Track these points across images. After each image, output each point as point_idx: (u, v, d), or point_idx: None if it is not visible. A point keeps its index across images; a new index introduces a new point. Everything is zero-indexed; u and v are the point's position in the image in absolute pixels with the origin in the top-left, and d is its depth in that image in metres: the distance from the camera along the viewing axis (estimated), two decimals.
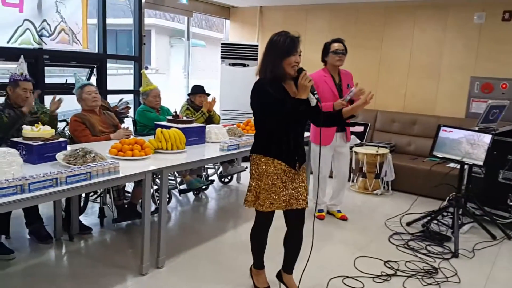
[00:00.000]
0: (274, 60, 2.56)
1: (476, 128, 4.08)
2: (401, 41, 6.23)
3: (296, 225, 2.81)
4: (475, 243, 3.96)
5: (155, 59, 16.37)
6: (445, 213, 4.31)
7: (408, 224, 4.37)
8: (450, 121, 5.31)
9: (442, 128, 4.12)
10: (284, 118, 2.55)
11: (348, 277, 3.21)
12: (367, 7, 6.42)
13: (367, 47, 6.40)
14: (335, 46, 4.09)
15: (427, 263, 3.52)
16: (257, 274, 2.96)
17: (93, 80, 5.34)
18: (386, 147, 5.71)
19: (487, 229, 4.12)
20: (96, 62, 5.40)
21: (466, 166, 4.16)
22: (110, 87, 5.61)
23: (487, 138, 3.80)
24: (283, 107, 2.52)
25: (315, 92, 2.61)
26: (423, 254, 3.70)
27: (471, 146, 3.87)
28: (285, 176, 2.65)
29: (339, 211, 4.48)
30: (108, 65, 5.63)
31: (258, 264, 2.95)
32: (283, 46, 2.54)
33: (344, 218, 4.45)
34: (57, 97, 3.64)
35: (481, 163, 3.79)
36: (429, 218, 4.27)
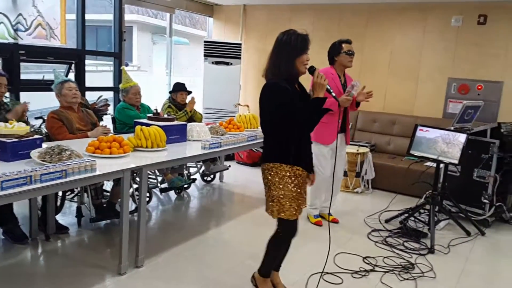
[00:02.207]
0: (287, 59, 2.50)
1: (452, 128, 4.15)
2: (382, 43, 6.31)
3: None
4: (451, 239, 4.05)
5: (137, 56, 16.21)
6: (422, 210, 4.40)
7: (387, 221, 4.44)
8: (428, 121, 5.41)
9: (419, 127, 4.19)
10: (305, 119, 2.49)
11: (328, 273, 3.24)
12: (350, 9, 6.48)
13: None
14: (348, 46, 4.06)
15: (404, 259, 3.58)
16: (264, 283, 2.84)
17: (71, 76, 5.26)
18: (366, 146, 5.79)
19: (462, 225, 4.22)
20: (74, 58, 5.32)
21: (442, 165, 4.24)
22: (89, 84, 5.54)
23: (462, 138, 3.88)
24: (306, 107, 2.48)
25: (331, 91, 2.59)
26: (400, 250, 3.77)
27: (446, 145, 3.95)
28: (302, 180, 2.63)
29: (330, 214, 4.43)
30: (88, 61, 5.56)
31: (268, 273, 2.83)
32: (295, 44, 2.49)
33: (335, 221, 4.37)
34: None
35: (456, 161, 3.87)
36: (406, 215, 4.34)
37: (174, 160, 3.48)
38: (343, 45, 4.06)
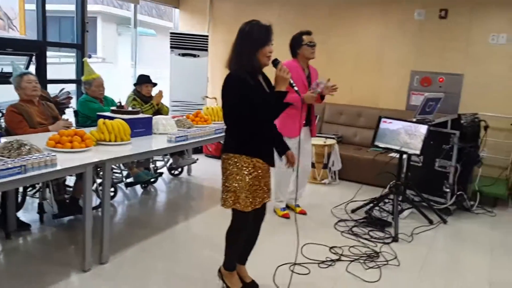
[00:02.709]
0: (249, 51, 2.44)
1: (414, 120, 4.25)
2: (347, 36, 6.38)
3: (259, 219, 2.82)
4: (414, 227, 4.16)
5: (102, 48, 15.83)
6: (386, 200, 4.49)
7: (353, 211, 4.52)
8: (392, 113, 5.49)
9: (382, 119, 4.27)
10: (266, 112, 2.46)
11: (295, 264, 3.27)
12: (316, 2, 6.52)
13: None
14: (308, 38, 4.01)
15: (369, 248, 3.66)
16: (231, 276, 2.82)
17: (32, 69, 5.09)
18: (333, 138, 5.86)
19: (424, 214, 4.34)
20: (35, 50, 5.14)
21: (404, 156, 4.34)
22: (51, 76, 5.37)
23: (423, 129, 3.98)
24: (267, 99, 2.44)
25: (294, 85, 2.55)
26: (366, 239, 3.85)
27: (409, 136, 4.04)
28: (261, 173, 2.60)
29: (297, 206, 4.42)
30: (51, 53, 5.37)
31: (232, 266, 2.81)
32: (258, 35, 2.44)
33: (303, 213, 4.40)
34: None
35: (418, 152, 3.97)
36: (371, 205, 4.43)
37: (139, 154, 3.42)
38: (304, 36, 4.01)
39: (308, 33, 4.05)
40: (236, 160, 2.54)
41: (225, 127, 2.65)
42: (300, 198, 4.44)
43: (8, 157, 2.50)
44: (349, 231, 4.01)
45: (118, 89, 4.93)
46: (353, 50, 6.38)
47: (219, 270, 2.88)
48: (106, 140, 3.35)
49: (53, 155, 2.58)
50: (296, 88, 2.57)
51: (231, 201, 2.58)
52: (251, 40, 2.45)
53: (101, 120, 3.39)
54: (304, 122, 4.09)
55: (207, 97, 6.80)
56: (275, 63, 2.51)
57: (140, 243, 3.53)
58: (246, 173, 2.54)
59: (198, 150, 6.70)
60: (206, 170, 5.96)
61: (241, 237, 2.73)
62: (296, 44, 4.05)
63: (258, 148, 2.56)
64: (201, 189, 5.32)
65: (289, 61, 4.02)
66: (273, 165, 2.69)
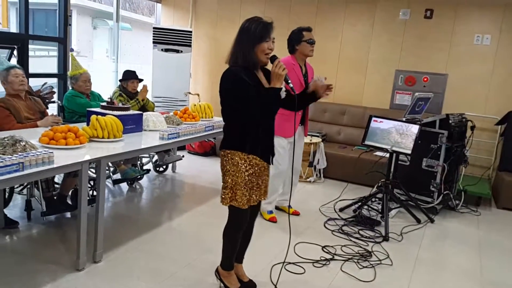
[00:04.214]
0: (246, 47, 2.44)
1: (404, 119, 4.31)
2: (331, 34, 6.41)
3: (253, 216, 2.81)
4: (402, 226, 4.22)
5: (76, 41, 15.43)
6: (372, 199, 4.54)
7: (341, 210, 4.55)
8: (376, 112, 5.59)
9: (373, 118, 4.31)
10: (260, 108, 2.44)
11: (289, 263, 3.28)
12: None
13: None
14: (309, 35, 3.89)
15: (361, 247, 3.69)
16: (228, 276, 2.80)
17: (13, 62, 4.91)
18: (318, 136, 5.89)
19: (412, 213, 4.41)
20: (16, 42, 4.96)
21: (394, 155, 4.40)
22: (33, 70, 5.20)
23: (415, 129, 4.04)
24: (261, 96, 2.42)
25: (289, 81, 2.52)
26: (357, 238, 3.88)
27: (400, 136, 4.09)
28: (258, 170, 2.59)
29: (289, 207, 4.38)
30: (35, 47, 5.20)
31: (229, 265, 2.79)
32: (255, 32, 2.43)
33: (296, 214, 4.33)
34: None
35: (409, 151, 4.02)
36: (359, 204, 4.47)
37: (134, 151, 3.35)
38: (304, 33, 3.89)
39: (309, 29, 3.94)
40: (232, 156, 2.54)
41: (219, 126, 2.63)
42: (291, 198, 4.35)
43: (3, 154, 2.40)
44: (339, 230, 4.04)
45: (95, 83, 4.80)
46: (337, 47, 6.41)
47: (217, 270, 2.85)
48: (99, 136, 3.26)
49: (50, 152, 2.49)
50: (291, 85, 2.54)
51: (228, 198, 2.57)
52: (249, 36, 2.45)
53: (94, 116, 3.30)
54: (299, 120, 4.03)
55: (189, 93, 6.71)
56: (273, 59, 2.50)
57: (132, 241, 3.47)
58: (242, 169, 2.53)
59: (181, 147, 6.63)
60: (190, 167, 5.91)
61: (239, 235, 2.71)
62: (295, 40, 3.91)
63: (254, 145, 2.54)
64: (186, 186, 5.26)
65: (287, 58, 3.93)
66: (269, 162, 2.68)
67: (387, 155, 4.41)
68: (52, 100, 4.61)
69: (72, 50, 5.73)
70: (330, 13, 6.41)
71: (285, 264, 3.20)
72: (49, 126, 3.37)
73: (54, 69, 5.69)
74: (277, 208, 4.36)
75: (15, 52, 4.99)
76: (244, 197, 2.55)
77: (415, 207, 4.54)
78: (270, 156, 2.67)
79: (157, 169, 5.51)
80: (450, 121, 4.49)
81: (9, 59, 4.88)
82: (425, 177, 4.65)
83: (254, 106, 2.42)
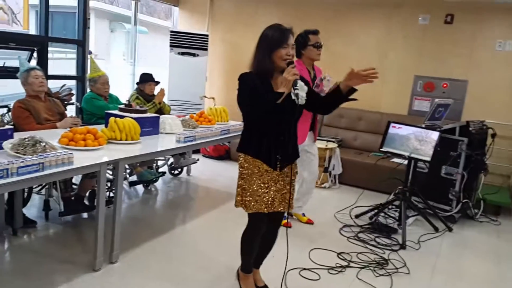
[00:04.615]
0: (263, 53, 2.45)
1: (423, 125, 4.25)
2: (348, 39, 6.37)
3: (275, 226, 2.78)
4: (420, 235, 4.15)
5: (94, 44, 15.60)
6: (389, 206, 4.47)
7: (357, 216, 4.50)
8: (394, 118, 5.49)
9: (392, 124, 4.26)
10: (263, 113, 2.41)
11: (304, 269, 3.25)
12: (316, 3, 6.50)
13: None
14: (315, 38, 3.74)
15: (377, 255, 3.64)
16: (245, 279, 2.81)
17: (33, 63, 4.97)
18: (334, 142, 5.85)
19: (430, 221, 4.33)
20: (37, 44, 5.03)
21: (413, 161, 4.34)
22: (52, 72, 5.25)
23: (434, 135, 3.98)
24: (267, 100, 2.38)
25: (296, 88, 2.39)
26: (373, 245, 3.82)
27: (419, 143, 4.04)
28: (268, 177, 2.54)
29: (304, 215, 4.27)
30: (54, 49, 5.27)
31: (247, 268, 2.79)
32: (272, 38, 2.43)
33: (310, 222, 4.23)
34: None
35: (428, 158, 3.96)
36: (376, 211, 4.41)
37: (151, 153, 3.37)
38: (310, 36, 3.74)
39: (315, 32, 3.78)
40: (242, 159, 2.56)
41: (234, 130, 2.62)
42: (304, 205, 4.27)
43: (24, 154, 2.42)
44: (355, 237, 3.99)
45: (112, 85, 4.85)
46: (354, 53, 6.36)
47: (237, 271, 2.88)
48: (117, 138, 3.28)
49: (70, 153, 2.50)
50: (296, 92, 2.39)
51: (238, 200, 2.60)
52: (266, 42, 2.46)
53: (112, 118, 3.32)
54: (308, 127, 3.91)
55: (205, 96, 6.73)
56: (289, 65, 2.46)
57: (147, 242, 3.48)
58: (251, 173, 2.53)
59: (196, 150, 6.64)
60: (205, 171, 5.91)
61: (254, 240, 2.69)
62: (301, 43, 3.73)
63: (259, 150, 2.51)
64: (201, 190, 5.26)
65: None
66: (276, 169, 2.55)
67: (405, 161, 4.35)
68: (71, 101, 4.65)
69: (90, 52, 5.78)
70: (347, 18, 6.37)
71: (299, 270, 3.17)
72: (68, 128, 3.40)
73: (71, 71, 5.75)
74: (290, 215, 4.26)
75: (35, 54, 5.06)
76: (251, 201, 2.54)
77: (433, 215, 4.47)
78: (277, 162, 2.54)
79: (172, 171, 5.52)
80: (471, 128, 4.42)
81: (29, 61, 4.95)
82: (443, 185, 4.57)
83: (255, 110, 2.43)
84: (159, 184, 5.19)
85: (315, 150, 4.17)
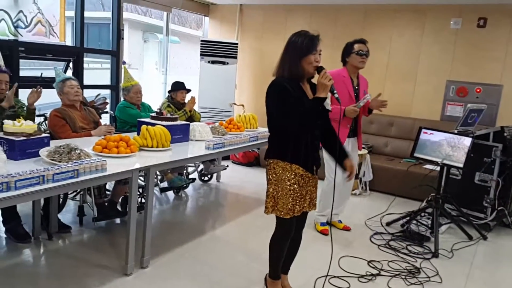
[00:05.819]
0: (292, 59, 2.51)
1: (456, 131, 4.16)
2: (379, 44, 6.31)
3: (300, 227, 2.80)
4: (453, 243, 4.05)
5: (128, 54, 16.02)
6: (422, 214, 4.39)
7: (388, 224, 4.43)
8: (426, 123, 5.42)
9: (423, 130, 4.19)
10: (302, 118, 2.46)
11: (334, 276, 3.22)
12: (347, 9, 6.48)
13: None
14: (360, 46, 3.88)
15: (409, 263, 3.57)
16: (273, 285, 2.81)
17: (69, 74, 5.17)
18: (364, 148, 5.79)
19: (464, 229, 4.22)
20: (72, 55, 5.23)
21: (445, 168, 4.24)
22: (87, 81, 5.45)
23: (467, 141, 3.89)
24: (302, 106, 2.45)
25: (335, 92, 2.53)
26: (405, 254, 3.76)
27: (451, 149, 3.95)
28: (302, 181, 2.60)
29: (340, 221, 4.26)
30: (89, 59, 5.48)
31: (275, 275, 2.79)
32: (301, 45, 2.49)
33: (347, 229, 4.23)
34: (38, 87, 3.52)
35: (461, 165, 3.87)
36: (408, 218, 4.34)
37: (181, 160, 3.43)
38: (355, 45, 3.89)
39: (362, 41, 3.92)
40: (275, 166, 2.58)
41: (263, 137, 2.65)
42: (341, 213, 4.30)
43: (59, 161, 2.52)
44: (386, 244, 3.93)
45: (145, 94, 5.00)
46: (385, 57, 6.31)
47: (265, 277, 2.89)
48: (149, 146, 3.37)
49: (103, 160, 2.59)
50: (336, 95, 2.54)
51: (270, 207, 2.61)
52: (295, 49, 2.51)
53: (144, 126, 3.41)
54: (347, 133, 3.91)
55: (234, 103, 6.80)
56: (319, 70, 2.53)
57: (177, 248, 3.54)
58: (284, 178, 2.55)
59: (225, 156, 6.70)
60: (234, 177, 5.95)
61: (284, 245, 2.71)
62: (345, 52, 3.93)
63: (297, 155, 2.56)
64: (230, 196, 5.31)
65: (338, 70, 3.90)
66: (313, 173, 2.66)
67: (438, 168, 4.26)
68: (105, 110, 4.80)
69: (124, 62, 5.96)
70: (378, 23, 6.32)
71: (329, 277, 3.15)
72: (102, 135, 3.51)
73: (106, 81, 5.94)
74: (327, 223, 4.23)
75: (70, 65, 5.26)
76: (286, 206, 2.56)
77: (466, 223, 4.35)
78: (313, 166, 2.65)
79: (202, 178, 5.60)
80: (505, 134, 4.29)
81: (65, 71, 5.15)
82: (477, 192, 4.45)
83: (294, 115, 2.45)
84: (189, 190, 5.26)
85: (356, 157, 4.13)
